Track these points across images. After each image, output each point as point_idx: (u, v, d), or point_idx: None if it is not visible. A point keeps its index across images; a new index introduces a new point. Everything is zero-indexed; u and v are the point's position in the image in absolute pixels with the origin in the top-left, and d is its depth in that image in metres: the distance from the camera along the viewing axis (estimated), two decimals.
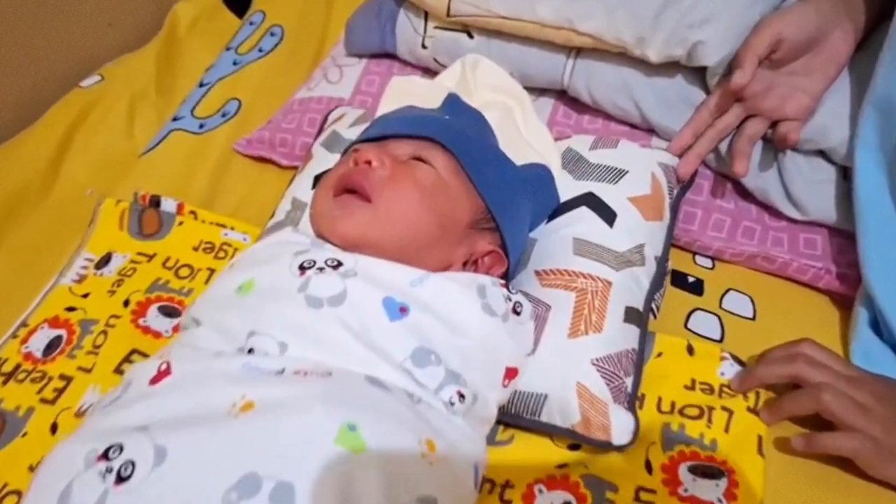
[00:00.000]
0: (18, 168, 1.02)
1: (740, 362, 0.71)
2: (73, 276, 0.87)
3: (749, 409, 0.68)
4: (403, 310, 0.57)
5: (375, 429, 0.50)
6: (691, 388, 0.70)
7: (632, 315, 0.70)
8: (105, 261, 0.88)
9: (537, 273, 0.72)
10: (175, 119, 1.06)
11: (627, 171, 0.78)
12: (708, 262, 0.84)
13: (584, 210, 0.75)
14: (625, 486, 0.63)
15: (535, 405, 0.65)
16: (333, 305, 0.57)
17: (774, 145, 0.81)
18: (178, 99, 1.14)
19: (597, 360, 0.66)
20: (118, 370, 0.75)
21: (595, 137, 0.83)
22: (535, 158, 0.77)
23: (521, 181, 0.72)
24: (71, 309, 0.82)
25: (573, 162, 0.81)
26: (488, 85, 0.84)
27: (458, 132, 0.69)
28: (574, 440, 0.65)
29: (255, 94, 1.11)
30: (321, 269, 0.59)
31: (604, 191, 0.76)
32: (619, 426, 0.63)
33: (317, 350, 0.55)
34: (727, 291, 0.81)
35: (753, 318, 0.79)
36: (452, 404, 0.57)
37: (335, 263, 0.60)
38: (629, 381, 0.67)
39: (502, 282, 0.64)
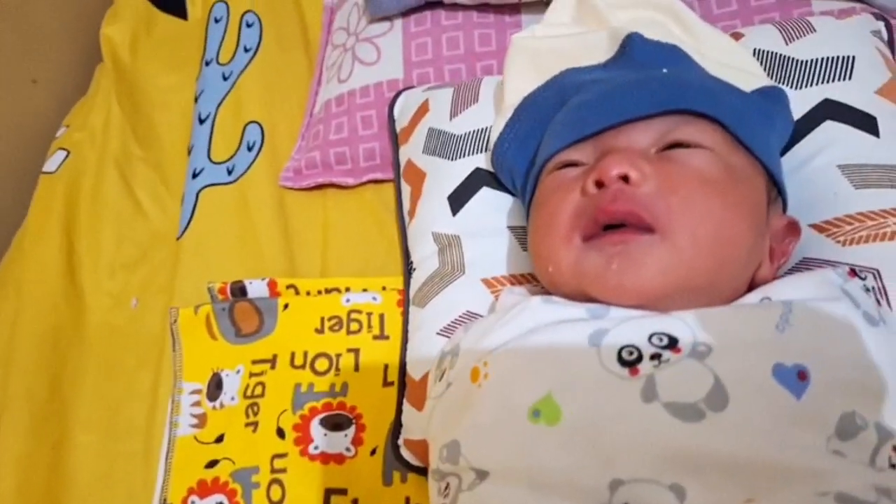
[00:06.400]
0: (27, 302, 0.80)
1: None
2: (189, 421, 0.69)
3: None
4: (803, 375, 0.40)
5: None
6: None
7: None
8: (216, 386, 0.69)
9: (817, 228, 0.55)
10: (195, 175, 0.83)
11: (854, 57, 0.60)
12: None
13: (829, 125, 0.57)
14: None
15: None
16: (717, 409, 0.39)
17: None
18: (168, 143, 0.92)
19: None
20: None
21: (775, 24, 0.64)
22: (739, 80, 0.58)
23: (768, 119, 0.54)
24: (212, 464, 0.66)
25: (779, 66, 0.62)
26: (619, 3, 0.64)
27: (705, 89, 0.50)
28: None
29: (269, 108, 0.88)
30: (656, 356, 0.41)
31: (841, 92, 0.59)
32: None
33: (734, 483, 0.38)
34: None
35: None
36: (894, 466, 0.41)
37: (665, 343, 0.42)
38: None
39: (846, 268, 0.47)
